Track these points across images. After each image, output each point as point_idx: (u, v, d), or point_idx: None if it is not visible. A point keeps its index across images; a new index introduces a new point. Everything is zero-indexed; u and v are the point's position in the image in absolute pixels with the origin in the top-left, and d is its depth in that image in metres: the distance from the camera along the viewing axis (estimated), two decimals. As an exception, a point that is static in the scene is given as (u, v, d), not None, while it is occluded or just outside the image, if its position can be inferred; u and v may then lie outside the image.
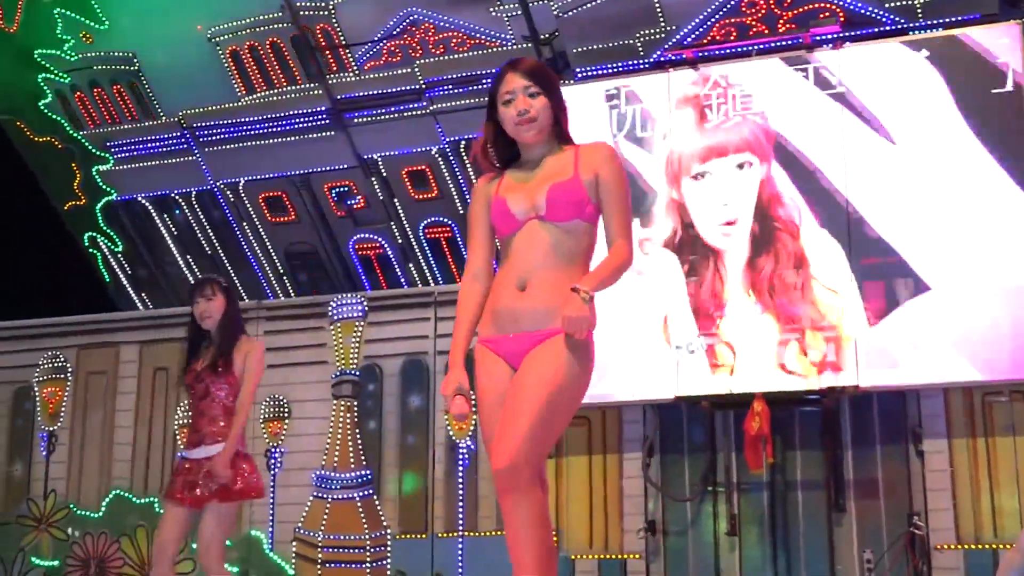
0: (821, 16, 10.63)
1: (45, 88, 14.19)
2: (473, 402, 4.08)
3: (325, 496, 10.06)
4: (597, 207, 4.05)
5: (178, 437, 11.17)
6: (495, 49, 12.33)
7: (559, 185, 4.02)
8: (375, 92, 13.05)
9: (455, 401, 3.96)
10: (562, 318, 3.81)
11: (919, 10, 10.63)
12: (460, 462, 10.60)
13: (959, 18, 10.34)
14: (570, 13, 11.59)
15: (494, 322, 4.05)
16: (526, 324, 3.95)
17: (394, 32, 12.90)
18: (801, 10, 10.81)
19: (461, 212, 13.04)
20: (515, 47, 12.30)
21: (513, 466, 3.72)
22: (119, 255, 14.84)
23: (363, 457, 10.34)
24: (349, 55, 13.23)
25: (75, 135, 14.37)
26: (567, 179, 4.03)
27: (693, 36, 11.05)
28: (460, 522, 10.57)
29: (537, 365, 3.87)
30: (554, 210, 4.00)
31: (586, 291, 3.79)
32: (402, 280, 13.85)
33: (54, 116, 14.33)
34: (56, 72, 14.11)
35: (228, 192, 14.13)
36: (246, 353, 6.66)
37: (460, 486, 10.62)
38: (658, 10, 11.25)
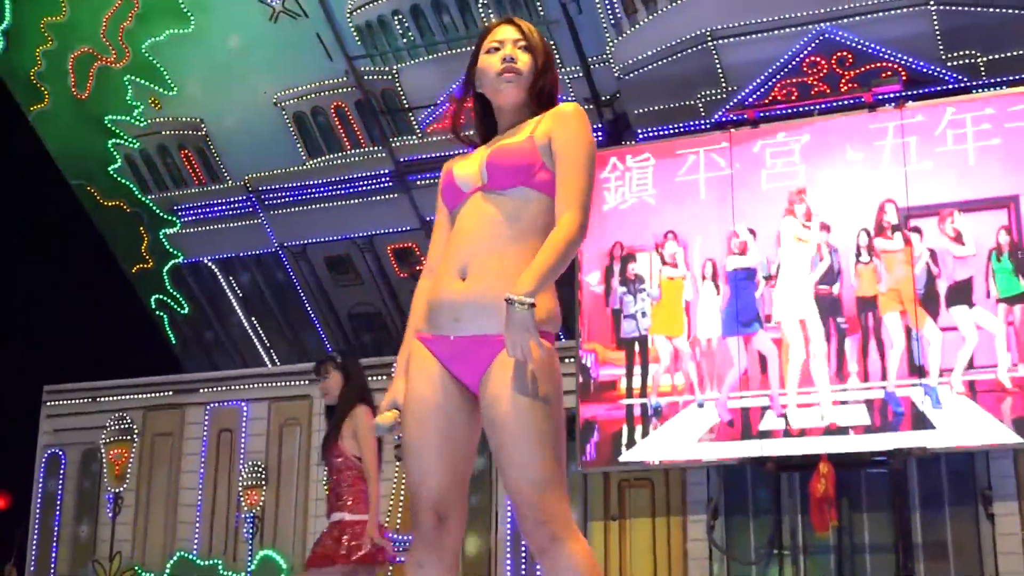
0: (883, 75, 10.61)
1: (115, 153, 14.44)
2: None
3: (396, 559, 10.03)
4: (545, 170, 3.34)
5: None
6: (556, 111, 12.39)
7: (505, 147, 3.37)
8: (437, 155, 13.15)
9: (384, 414, 3.43)
10: (505, 342, 3.13)
11: (982, 68, 10.58)
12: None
13: (1022, 76, 10.28)
14: (631, 75, 11.65)
15: (432, 316, 3.37)
16: (467, 325, 3.28)
17: (457, 95, 13.00)
18: (863, 69, 10.79)
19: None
20: (576, 109, 12.33)
21: (546, 518, 3.16)
22: (185, 317, 15.00)
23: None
24: (412, 118, 13.36)
25: (143, 199, 14.60)
26: (518, 140, 3.38)
27: (754, 96, 11.06)
28: (523, 584, 10.51)
29: (504, 405, 3.20)
30: (495, 175, 3.34)
31: (521, 300, 3.09)
32: (464, 341, 13.84)
33: (123, 180, 14.57)
34: (125, 137, 14.37)
35: (292, 254, 14.26)
36: (353, 426, 6.95)
37: (523, 546, 10.56)
38: (719, 71, 11.28)
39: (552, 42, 12.22)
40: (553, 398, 3.24)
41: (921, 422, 9.22)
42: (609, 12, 11.70)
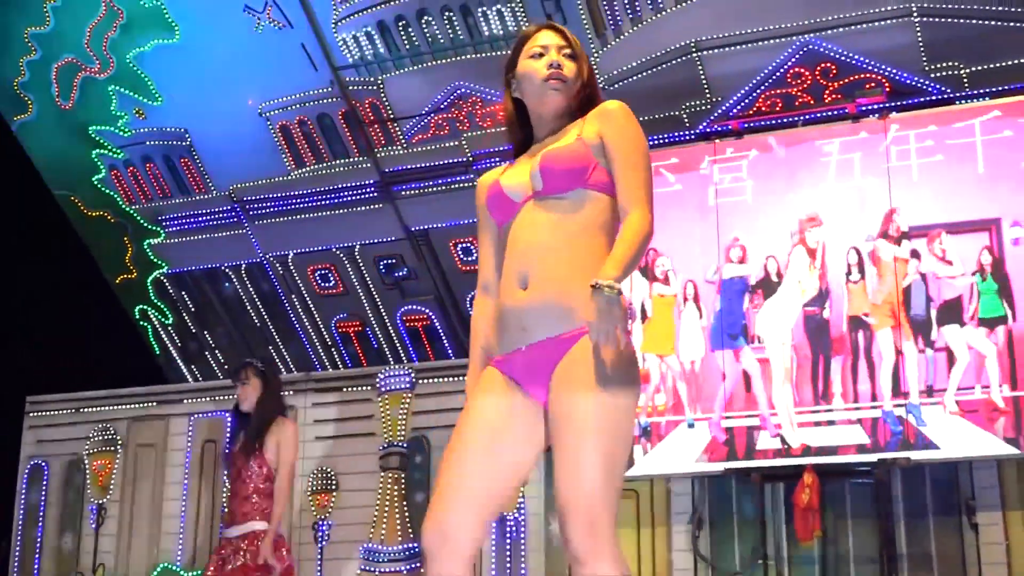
0: (867, 86, 10.65)
1: (99, 163, 14.41)
2: None
3: (372, 569, 10.02)
4: (610, 174, 3.27)
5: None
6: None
7: (555, 150, 3.29)
8: (423, 165, 13.16)
9: None
10: (588, 326, 3.03)
11: (965, 80, 10.63)
12: (508, 535, 10.53)
13: (1006, 87, 10.32)
14: (616, 85, 11.67)
15: (500, 334, 3.29)
16: (536, 331, 3.19)
17: (442, 106, 13.02)
18: (847, 80, 10.83)
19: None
20: (561, 120, 12.35)
21: (592, 528, 3.03)
22: (169, 328, 14.96)
23: (411, 530, 10.30)
24: (397, 129, 13.36)
25: (127, 209, 14.57)
26: (568, 143, 3.31)
27: (739, 107, 11.09)
28: (508, 595, 10.49)
29: (575, 397, 3.09)
30: (550, 179, 3.26)
31: (610, 284, 2.99)
32: (450, 351, 13.86)
33: (107, 191, 14.53)
34: (110, 147, 14.34)
35: (277, 265, 14.25)
36: (278, 438, 6.77)
37: (508, 559, 10.54)
38: (703, 82, 11.32)
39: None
40: (624, 408, 3.14)
41: (919, 441, 9.23)
42: (593, 22, 11.73)
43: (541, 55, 3.45)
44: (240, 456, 6.76)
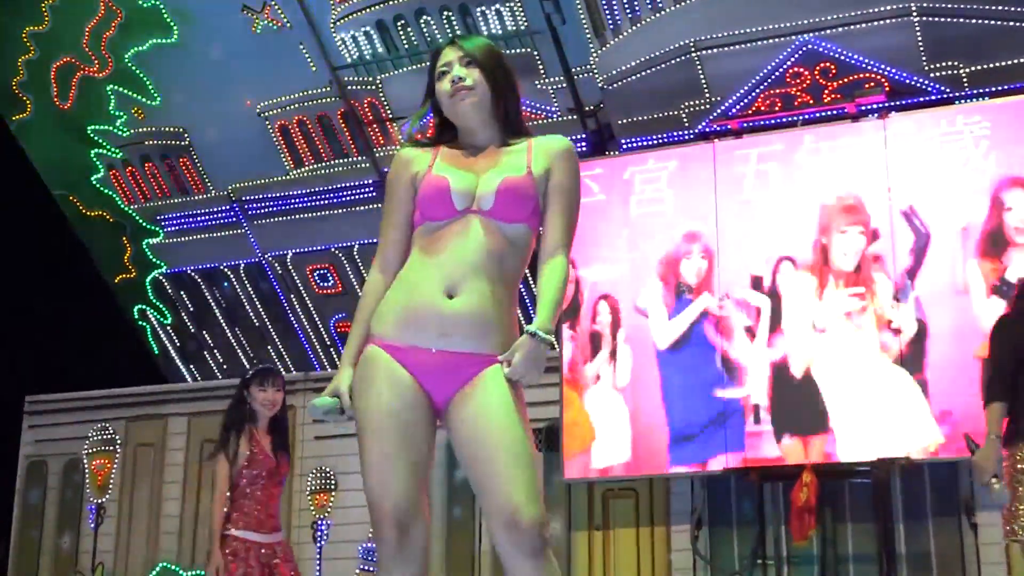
0: (866, 86, 10.64)
1: (97, 163, 14.40)
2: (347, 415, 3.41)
3: (372, 569, 10.02)
4: (539, 211, 3.44)
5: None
6: (540, 121, 12.40)
7: (512, 180, 3.38)
8: (422, 165, 13.13)
9: (323, 398, 3.41)
10: (513, 365, 3.24)
11: (965, 79, 10.62)
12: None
13: (1005, 87, 10.32)
14: (615, 85, 11.66)
15: (406, 324, 3.35)
16: (456, 341, 3.30)
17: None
18: (846, 80, 10.82)
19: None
20: (560, 119, 12.38)
21: (542, 521, 3.21)
22: (168, 327, 14.95)
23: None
24: (396, 128, 13.36)
25: (126, 209, 14.56)
26: (521, 175, 3.40)
27: (738, 107, 11.09)
28: (507, 595, 10.47)
29: (502, 423, 3.25)
30: (503, 207, 3.37)
31: (545, 335, 3.25)
32: (448, 351, 13.82)
33: (105, 191, 14.53)
34: (108, 147, 14.33)
35: (276, 264, 14.24)
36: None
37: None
38: (703, 81, 11.31)
39: (535, 52, 12.25)
40: (527, 421, 3.33)
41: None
42: (592, 23, 11.73)
43: (445, 73, 3.50)
44: (275, 463, 6.68)
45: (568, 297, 10.04)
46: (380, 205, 14.03)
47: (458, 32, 12.64)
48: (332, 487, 11.06)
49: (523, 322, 3.38)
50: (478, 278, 3.32)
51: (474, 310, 3.30)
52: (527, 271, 3.54)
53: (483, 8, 12.54)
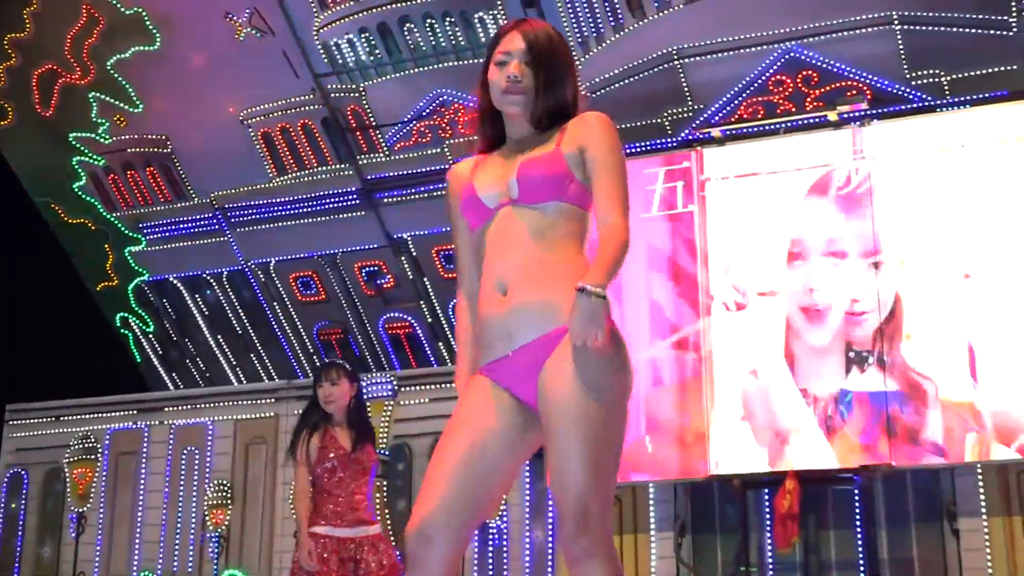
0: (848, 94, 10.68)
1: (79, 171, 14.36)
2: None
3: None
4: (584, 187, 3.29)
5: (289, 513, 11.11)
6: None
7: (534, 159, 3.30)
8: (405, 172, 13.15)
9: None
10: (571, 329, 3.05)
11: (946, 87, 10.67)
12: (491, 542, 10.53)
13: (986, 95, 10.37)
14: (598, 92, 11.68)
15: (484, 342, 3.29)
16: (521, 335, 3.20)
17: (424, 113, 13.03)
18: (828, 88, 10.87)
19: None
20: (543, 127, 12.38)
21: (586, 525, 3.04)
22: (150, 335, 14.91)
23: (393, 538, 10.27)
24: (379, 136, 13.35)
25: (108, 217, 14.52)
26: (546, 153, 3.31)
27: (720, 114, 11.12)
28: (490, 603, 10.48)
29: (561, 395, 3.11)
30: (528, 189, 3.27)
31: (595, 288, 3.03)
32: (432, 359, 13.84)
33: (88, 198, 14.49)
34: (90, 155, 14.29)
35: (259, 272, 14.21)
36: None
37: (490, 566, 10.53)
38: (685, 89, 11.34)
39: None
40: (613, 399, 3.15)
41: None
42: (576, 30, 11.75)
43: (504, 63, 3.38)
44: (346, 454, 6.58)
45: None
46: (364, 213, 14.02)
47: (441, 40, 12.66)
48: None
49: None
50: (524, 264, 3.23)
51: (526, 297, 3.21)
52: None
53: (467, 15, 12.55)
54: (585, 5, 11.75)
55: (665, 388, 9.91)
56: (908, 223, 9.41)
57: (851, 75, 10.82)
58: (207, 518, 11.28)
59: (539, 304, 3.18)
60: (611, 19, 11.67)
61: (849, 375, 9.42)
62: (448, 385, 11.29)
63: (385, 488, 10.42)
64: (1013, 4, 10.47)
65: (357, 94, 13.26)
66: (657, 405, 9.90)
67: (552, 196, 3.27)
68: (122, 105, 13.97)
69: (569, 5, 11.75)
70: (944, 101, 10.57)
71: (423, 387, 11.37)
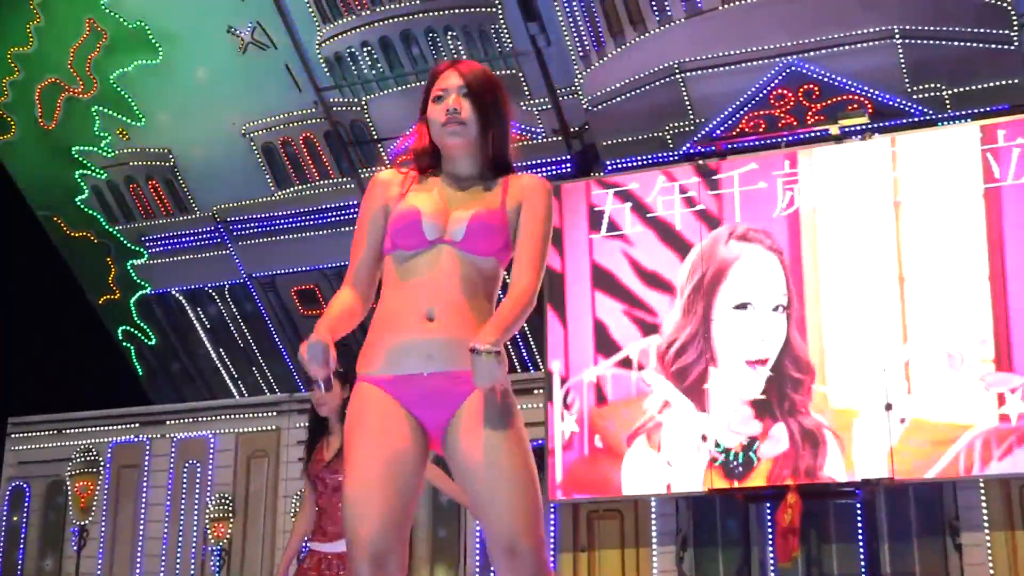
0: (849, 108, 10.69)
1: (82, 184, 14.38)
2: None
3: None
4: (510, 248, 3.45)
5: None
6: (525, 143, 12.44)
7: (484, 215, 3.41)
8: (407, 186, 13.13)
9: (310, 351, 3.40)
10: (474, 384, 3.23)
11: (947, 101, 10.68)
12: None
13: (988, 108, 10.38)
14: (600, 107, 11.69)
15: (393, 358, 3.41)
16: (441, 362, 3.32)
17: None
18: (829, 102, 10.87)
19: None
20: (545, 140, 12.40)
21: (517, 560, 3.23)
22: (152, 349, 14.91)
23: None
24: (381, 149, 13.36)
25: (110, 230, 14.53)
26: (493, 209, 3.44)
27: (722, 128, 11.12)
28: (492, 617, 10.47)
29: (485, 440, 3.27)
30: (473, 241, 3.39)
31: (487, 347, 3.18)
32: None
33: (90, 211, 14.49)
34: (93, 168, 14.31)
35: (261, 285, 14.21)
36: None
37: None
38: (687, 103, 11.34)
39: (520, 74, 12.28)
40: (525, 440, 3.33)
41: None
42: (578, 44, 11.76)
43: (441, 97, 3.50)
44: (339, 463, 6.47)
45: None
46: (365, 226, 13.80)
47: (443, 54, 12.66)
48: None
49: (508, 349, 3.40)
50: (454, 303, 3.35)
51: (455, 331, 3.32)
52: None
53: (468, 29, 12.57)
54: (587, 19, 11.76)
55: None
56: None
57: (852, 89, 10.82)
58: (208, 531, 11.28)
59: (460, 340, 3.28)
60: (612, 33, 11.67)
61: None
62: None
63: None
64: (1015, 18, 10.48)
65: (359, 108, 13.28)
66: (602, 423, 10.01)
67: (490, 252, 3.41)
68: (125, 119, 13.98)
69: (571, 19, 11.76)
70: (945, 115, 10.57)
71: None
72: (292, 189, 13.80)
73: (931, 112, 10.63)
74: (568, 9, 11.69)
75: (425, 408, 3.36)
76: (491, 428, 3.28)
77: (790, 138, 10.62)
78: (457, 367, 3.31)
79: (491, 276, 3.44)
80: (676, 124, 11.47)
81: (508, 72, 12.43)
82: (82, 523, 11.80)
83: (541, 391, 10.24)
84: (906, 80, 10.78)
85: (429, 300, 3.36)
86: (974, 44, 10.57)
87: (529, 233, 3.44)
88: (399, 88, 13.06)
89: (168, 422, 12.37)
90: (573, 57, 11.86)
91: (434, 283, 3.38)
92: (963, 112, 10.51)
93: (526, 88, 12.47)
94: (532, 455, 3.33)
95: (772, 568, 9.89)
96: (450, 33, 12.63)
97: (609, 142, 11.71)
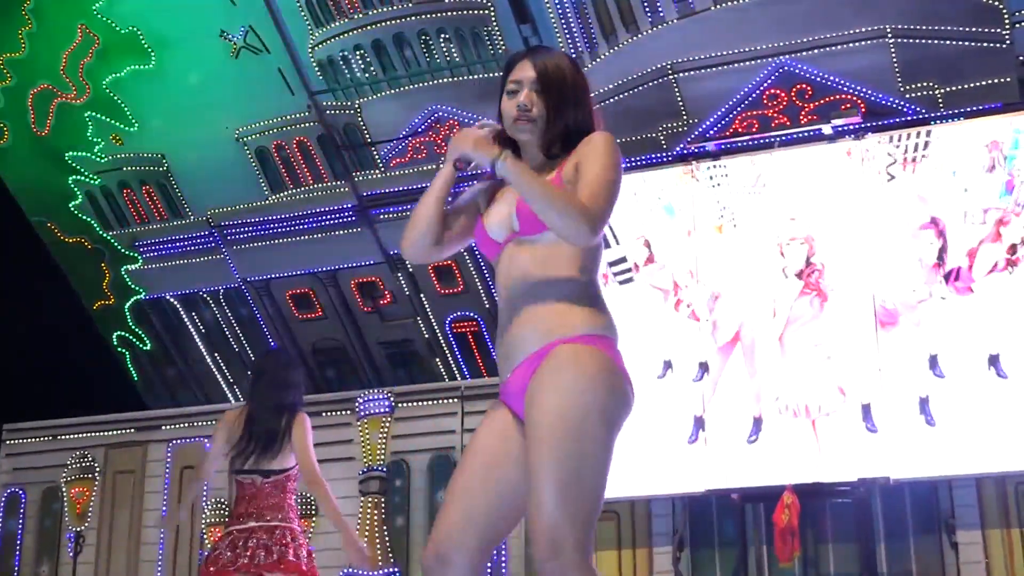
0: (842, 107, 10.70)
1: (75, 190, 14.36)
2: None
3: None
4: None
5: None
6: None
7: None
8: (401, 188, 13.15)
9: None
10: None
11: (940, 100, 10.69)
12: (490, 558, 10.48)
13: (980, 107, 10.39)
14: (593, 107, 11.68)
15: (501, 368, 3.38)
16: (516, 357, 3.28)
17: (419, 129, 13.03)
18: (822, 101, 10.89)
19: (488, 306, 13.07)
20: (539, 142, 12.40)
21: (556, 553, 3.00)
22: (147, 354, 14.90)
23: (391, 554, 10.26)
24: (375, 152, 13.36)
25: (104, 235, 14.52)
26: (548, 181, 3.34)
27: (715, 129, 11.14)
28: (489, 620, 10.45)
29: (538, 411, 3.12)
30: (527, 222, 3.32)
31: (504, 162, 3.24)
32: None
33: (84, 217, 14.48)
34: (86, 174, 14.29)
35: (255, 290, 14.21)
36: None
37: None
38: (680, 103, 11.36)
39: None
40: (595, 420, 3.12)
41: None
42: (570, 45, 11.77)
43: (515, 92, 3.48)
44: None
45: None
46: (360, 230, 14.01)
47: (436, 57, 12.67)
48: (312, 513, 11.02)
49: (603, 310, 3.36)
50: (528, 293, 3.29)
51: (522, 323, 3.28)
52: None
53: (461, 32, 12.57)
54: (579, 20, 11.77)
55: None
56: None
57: (845, 88, 10.84)
58: (205, 536, 11.27)
59: (530, 328, 3.25)
60: (605, 34, 11.68)
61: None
62: (447, 401, 11.28)
63: (383, 505, 10.40)
64: (1006, 17, 10.49)
65: (352, 111, 13.27)
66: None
67: (547, 227, 3.28)
68: (118, 124, 13.97)
69: (563, 20, 11.77)
70: (938, 114, 10.58)
71: (420, 403, 11.37)
72: (286, 193, 13.79)
73: (924, 111, 10.64)
74: (560, 11, 11.71)
75: (519, 403, 3.29)
76: (544, 391, 3.15)
77: (783, 138, 10.62)
78: (525, 355, 3.27)
79: (569, 251, 3.29)
80: (669, 124, 11.48)
81: (500, 74, 12.41)
82: (78, 529, 11.78)
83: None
84: (898, 79, 10.80)
85: (510, 303, 3.33)
86: (966, 43, 10.59)
87: (587, 167, 3.31)
88: (392, 91, 13.06)
89: (164, 427, 12.36)
90: (565, 59, 11.85)
91: (512, 283, 3.33)
92: (955, 111, 10.52)
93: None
94: (596, 433, 3.11)
95: (769, 569, 9.89)
96: (443, 35, 12.63)
97: (603, 143, 11.71)
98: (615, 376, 3.21)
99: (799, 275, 9.65)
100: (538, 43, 12.00)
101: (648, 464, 9.77)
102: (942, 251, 9.28)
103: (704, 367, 9.84)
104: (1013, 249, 9.10)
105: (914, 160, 9.47)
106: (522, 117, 3.43)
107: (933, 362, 9.21)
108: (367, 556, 6.48)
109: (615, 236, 10.19)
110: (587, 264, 3.33)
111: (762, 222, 9.80)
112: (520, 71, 3.50)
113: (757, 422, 9.64)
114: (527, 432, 3.15)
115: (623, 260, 10.16)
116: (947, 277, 9.25)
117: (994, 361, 9.06)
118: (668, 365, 9.92)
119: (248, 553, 6.54)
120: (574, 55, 11.65)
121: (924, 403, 9.20)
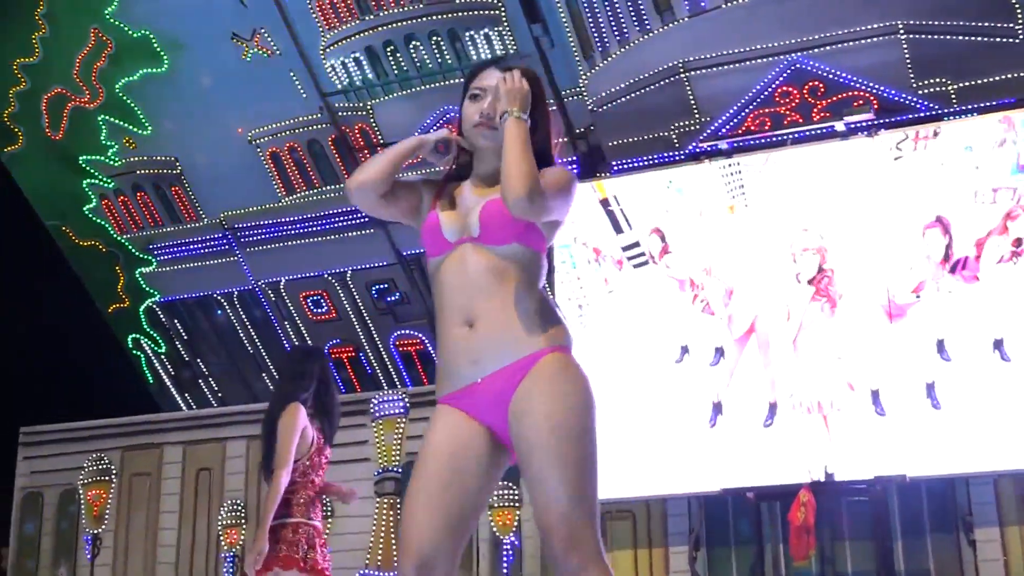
0: (855, 104, 10.67)
1: (89, 193, 14.41)
2: None
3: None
4: (541, 231, 3.37)
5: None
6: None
7: (496, 203, 3.34)
8: (414, 189, 13.14)
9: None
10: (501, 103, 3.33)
11: (953, 95, 10.66)
12: (504, 558, 10.50)
13: (993, 103, 10.35)
14: (605, 107, 11.70)
15: (451, 375, 3.36)
16: (488, 364, 3.28)
17: (431, 130, 13.03)
18: (835, 98, 10.86)
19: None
20: (551, 142, 12.39)
21: (574, 544, 3.13)
22: (162, 356, 14.94)
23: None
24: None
25: (118, 238, 14.56)
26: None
27: (728, 127, 11.12)
28: (506, 620, 10.46)
29: (537, 417, 3.20)
30: (489, 231, 3.34)
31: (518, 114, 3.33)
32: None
33: (98, 220, 14.53)
34: (100, 177, 14.34)
35: (269, 291, 14.24)
36: None
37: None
38: (692, 102, 11.34)
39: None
40: (586, 418, 3.25)
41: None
42: (584, 42, 11.77)
43: (478, 96, 3.48)
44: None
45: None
46: (373, 231, 14.02)
47: (447, 57, 12.68)
48: (328, 514, 11.02)
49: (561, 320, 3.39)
50: (490, 300, 3.30)
51: (494, 328, 3.29)
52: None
53: (472, 32, 12.58)
54: (591, 19, 11.77)
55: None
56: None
57: (857, 85, 10.81)
58: (221, 538, 11.29)
59: (506, 334, 3.27)
60: (616, 34, 11.67)
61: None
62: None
63: (398, 505, 10.41)
64: (1019, 11, 10.46)
65: (364, 112, 13.29)
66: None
67: (511, 238, 3.33)
68: (131, 127, 14.01)
69: (575, 20, 11.77)
70: (951, 110, 10.55)
71: (434, 404, 11.32)
72: (299, 195, 13.81)
73: (937, 107, 10.61)
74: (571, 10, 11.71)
75: (490, 413, 3.31)
76: (546, 400, 3.21)
77: (796, 135, 10.60)
78: (507, 361, 3.28)
79: (525, 262, 3.35)
80: (681, 123, 11.47)
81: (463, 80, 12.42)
82: (95, 531, 11.80)
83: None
84: (911, 75, 10.77)
85: (466, 305, 3.32)
86: (978, 38, 10.56)
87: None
88: (404, 92, 13.08)
89: (179, 429, 12.39)
90: (577, 58, 11.86)
91: (467, 286, 3.33)
92: (969, 106, 10.48)
93: (531, 91, 12.45)
94: (588, 437, 3.23)
95: (785, 567, 9.88)
96: (453, 37, 12.63)
97: (615, 142, 11.71)
98: (588, 383, 3.31)
99: (811, 282, 9.64)
100: (548, 44, 12.01)
101: (667, 456, 9.74)
102: (948, 247, 9.30)
103: (720, 351, 9.84)
104: (1019, 242, 9.14)
105: (926, 136, 9.50)
106: (483, 123, 3.44)
107: (940, 346, 9.22)
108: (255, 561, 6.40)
109: (628, 221, 10.21)
110: (540, 276, 3.40)
111: (773, 204, 9.81)
112: (486, 78, 3.50)
113: (772, 407, 9.63)
114: (527, 438, 3.21)
115: (636, 244, 10.18)
116: (954, 267, 9.27)
117: (998, 345, 9.10)
118: (685, 350, 9.93)
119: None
120: (585, 54, 11.69)
121: (931, 388, 9.19)
